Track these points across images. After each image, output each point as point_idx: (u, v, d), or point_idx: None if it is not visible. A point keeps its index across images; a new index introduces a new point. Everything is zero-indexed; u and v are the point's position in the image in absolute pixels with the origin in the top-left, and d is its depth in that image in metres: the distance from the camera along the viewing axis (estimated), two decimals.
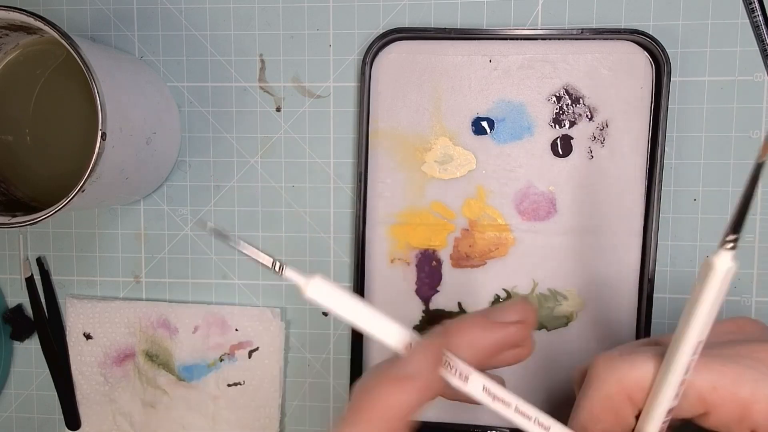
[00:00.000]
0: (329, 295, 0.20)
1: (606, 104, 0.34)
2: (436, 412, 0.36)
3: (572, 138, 0.35)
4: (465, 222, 0.36)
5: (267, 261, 0.19)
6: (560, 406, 0.36)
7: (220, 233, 0.19)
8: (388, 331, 0.20)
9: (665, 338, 0.22)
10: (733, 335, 0.22)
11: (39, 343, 0.38)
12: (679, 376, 0.20)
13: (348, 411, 0.20)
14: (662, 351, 0.21)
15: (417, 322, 0.36)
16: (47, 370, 0.39)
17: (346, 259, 0.37)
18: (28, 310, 0.39)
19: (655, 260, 0.34)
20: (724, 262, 0.18)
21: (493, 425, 0.36)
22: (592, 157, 0.35)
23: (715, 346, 0.21)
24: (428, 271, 0.36)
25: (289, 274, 0.19)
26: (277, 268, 0.19)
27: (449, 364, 0.21)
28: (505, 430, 0.36)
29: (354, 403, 0.20)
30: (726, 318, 0.23)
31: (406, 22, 0.36)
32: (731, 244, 0.18)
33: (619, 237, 0.35)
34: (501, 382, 0.22)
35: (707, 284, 0.18)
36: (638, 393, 0.21)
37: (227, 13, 0.37)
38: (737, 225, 0.18)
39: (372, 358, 0.37)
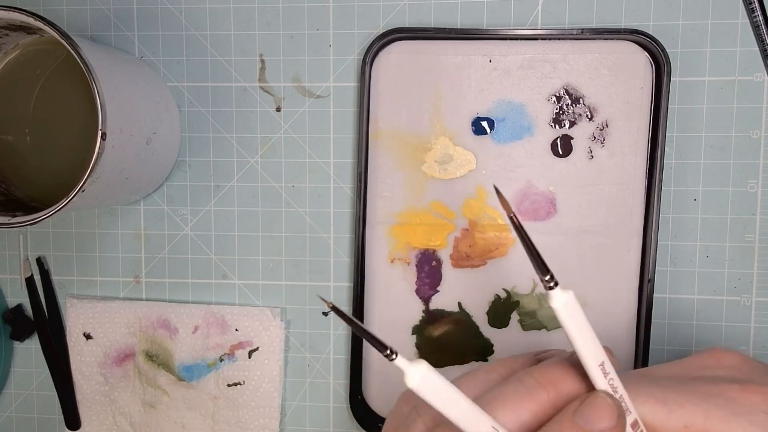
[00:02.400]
0: (433, 386, 0.19)
1: (606, 104, 0.34)
2: None
3: (572, 138, 0.35)
4: (465, 222, 0.36)
5: (383, 347, 0.19)
6: None
7: (338, 310, 0.19)
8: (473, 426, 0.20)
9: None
10: (710, 370, 0.23)
11: (39, 343, 0.38)
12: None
13: None
14: None
15: (417, 322, 0.36)
16: (47, 370, 0.39)
17: (346, 259, 0.37)
18: (28, 310, 0.39)
19: (655, 260, 0.34)
20: (559, 299, 0.19)
21: None
22: (592, 157, 0.35)
23: (689, 382, 0.21)
24: (428, 271, 0.36)
25: (399, 362, 0.19)
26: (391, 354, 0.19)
27: None
28: None
29: None
30: (704, 349, 0.24)
31: (406, 22, 0.36)
32: (551, 284, 0.19)
33: (619, 237, 0.35)
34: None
35: (563, 320, 0.20)
36: None
37: (227, 13, 0.37)
38: (541, 267, 0.19)
39: (371, 358, 0.37)
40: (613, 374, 0.20)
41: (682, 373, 0.23)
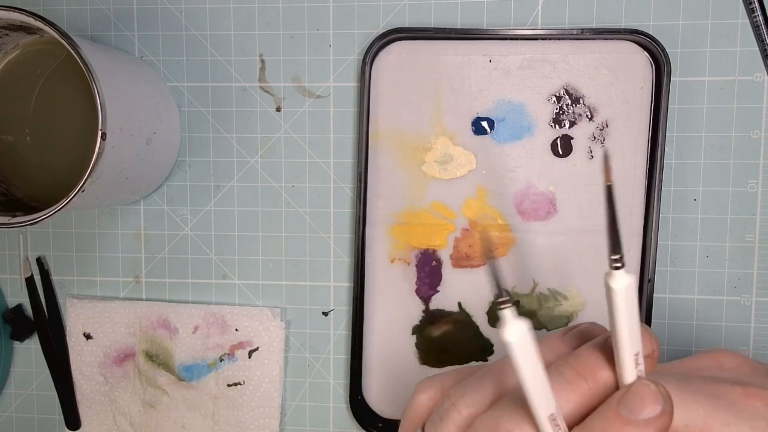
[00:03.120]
0: (524, 346, 0.19)
1: (606, 104, 0.34)
2: None
3: (572, 138, 0.35)
4: (465, 222, 0.36)
5: (502, 291, 0.19)
6: None
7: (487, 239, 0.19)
8: (543, 401, 0.20)
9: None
10: (710, 371, 0.23)
11: (39, 343, 0.38)
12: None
13: None
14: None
15: (417, 322, 0.36)
16: (47, 370, 0.39)
17: (346, 259, 0.37)
18: (28, 310, 0.39)
19: (655, 260, 0.34)
20: (621, 281, 0.19)
21: None
22: (592, 157, 0.35)
23: (692, 380, 0.21)
24: (428, 271, 0.36)
25: (507, 313, 0.19)
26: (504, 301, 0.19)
27: None
28: None
29: None
30: (704, 351, 0.24)
31: (406, 22, 0.36)
32: (618, 264, 0.19)
33: None
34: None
35: (617, 303, 0.19)
36: None
37: (227, 13, 0.37)
38: (615, 245, 0.19)
39: (371, 358, 0.37)
40: (642, 367, 0.20)
41: (681, 373, 0.23)
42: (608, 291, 0.19)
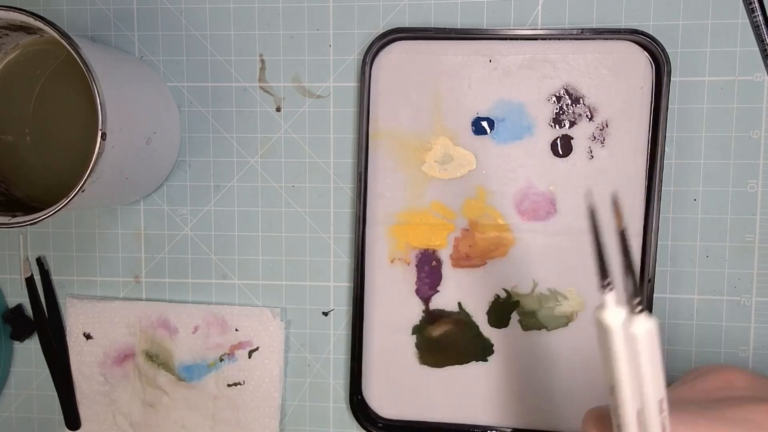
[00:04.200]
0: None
1: (606, 104, 0.34)
2: (436, 412, 0.36)
3: (572, 138, 0.35)
4: (465, 222, 0.36)
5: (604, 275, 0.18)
6: (560, 406, 0.36)
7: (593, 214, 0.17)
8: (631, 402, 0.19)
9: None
10: (723, 391, 0.22)
11: (39, 343, 0.38)
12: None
13: None
14: None
15: (417, 322, 0.36)
16: (47, 370, 0.39)
17: (346, 259, 0.37)
18: (28, 310, 0.39)
19: (655, 260, 0.34)
20: (643, 327, 0.18)
21: (493, 425, 0.36)
22: (592, 157, 0.35)
23: (716, 407, 0.21)
24: (428, 271, 0.36)
25: (609, 297, 0.18)
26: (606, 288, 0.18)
27: None
28: (506, 429, 0.36)
29: None
30: (711, 368, 0.23)
31: (406, 22, 0.36)
32: (638, 309, 0.17)
33: None
34: None
35: (640, 353, 0.18)
36: None
37: (227, 13, 0.37)
38: (635, 289, 0.18)
39: (371, 358, 0.37)
40: (666, 413, 0.20)
41: (697, 397, 0.22)
42: (628, 339, 0.18)
